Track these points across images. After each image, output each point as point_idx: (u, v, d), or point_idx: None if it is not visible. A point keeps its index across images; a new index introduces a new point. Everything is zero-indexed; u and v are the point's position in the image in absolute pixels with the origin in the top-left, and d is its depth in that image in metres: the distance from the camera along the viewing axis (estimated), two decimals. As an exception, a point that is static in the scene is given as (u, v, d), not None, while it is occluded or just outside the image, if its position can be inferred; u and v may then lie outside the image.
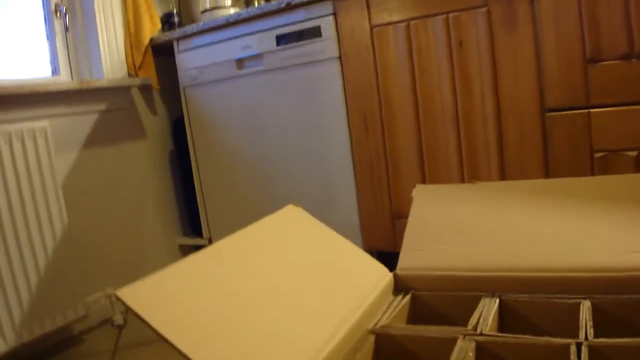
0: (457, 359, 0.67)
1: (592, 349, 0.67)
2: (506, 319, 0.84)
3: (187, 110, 2.12)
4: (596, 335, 0.74)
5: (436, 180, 1.59)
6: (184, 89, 2.11)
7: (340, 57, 1.70)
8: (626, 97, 1.37)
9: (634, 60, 1.35)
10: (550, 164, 1.44)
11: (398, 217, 1.69)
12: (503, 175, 1.51)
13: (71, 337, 1.89)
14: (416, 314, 0.89)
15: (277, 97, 1.87)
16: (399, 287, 0.92)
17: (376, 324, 0.80)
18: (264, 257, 0.82)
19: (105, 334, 1.87)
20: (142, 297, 0.61)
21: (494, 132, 1.50)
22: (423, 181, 1.60)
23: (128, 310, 0.58)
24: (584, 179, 0.94)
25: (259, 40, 1.86)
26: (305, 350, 0.67)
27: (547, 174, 1.45)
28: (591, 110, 1.39)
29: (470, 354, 0.68)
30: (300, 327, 0.71)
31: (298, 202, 1.90)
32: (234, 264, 0.76)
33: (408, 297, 0.89)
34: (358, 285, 0.86)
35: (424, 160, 1.61)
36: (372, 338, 0.77)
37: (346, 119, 1.72)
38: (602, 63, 1.38)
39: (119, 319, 1.65)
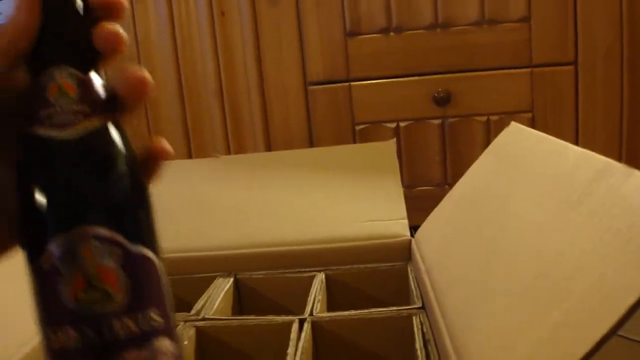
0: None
1: (315, 324, 0.63)
2: (244, 299, 0.78)
3: None
4: (329, 309, 0.71)
5: (203, 156, 1.51)
6: None
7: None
8: (384, 70, 1.40)
9: (391, 34, 1.38)
10: (315, 137, 1.43)
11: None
12: (269, 149, 1.47)
13: None
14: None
15: None
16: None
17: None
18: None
19: None
20: None
21: (258, 105, 1.45)
22: (190, 158, 1.51)
23: None
24: (329, 148, 0.92)
25: None
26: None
27: (312, 147, 1.44)
28: (352, 83, 1.40)
29: (185, 342, 0.61)
30: None
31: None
32: None
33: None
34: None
35: (189, 136, 1.52)
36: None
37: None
38: (361, 37, 1.39)
39: None
